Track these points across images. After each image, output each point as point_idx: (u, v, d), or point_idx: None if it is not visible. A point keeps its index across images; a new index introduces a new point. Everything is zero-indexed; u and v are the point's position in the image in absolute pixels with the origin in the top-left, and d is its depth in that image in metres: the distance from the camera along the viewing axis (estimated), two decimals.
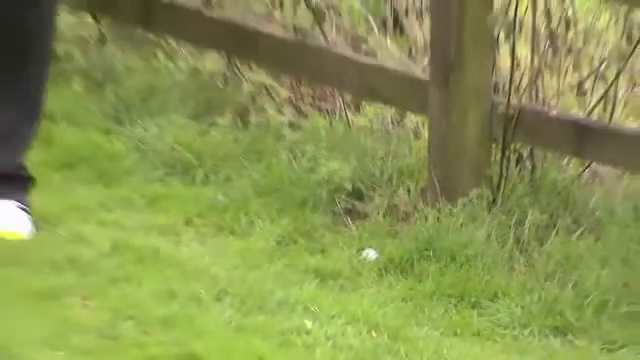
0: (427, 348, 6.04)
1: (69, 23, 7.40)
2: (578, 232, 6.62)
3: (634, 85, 6.88)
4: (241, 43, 7.42)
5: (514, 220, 6.65)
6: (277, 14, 7.48)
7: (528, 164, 6.83)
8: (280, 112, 7.36)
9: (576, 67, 6.94)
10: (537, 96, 6.86)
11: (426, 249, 6.60)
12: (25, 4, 6.54)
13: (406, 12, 7.31)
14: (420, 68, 7.02)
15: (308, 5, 7.41)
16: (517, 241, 6.61)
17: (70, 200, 6.89)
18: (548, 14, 6.90)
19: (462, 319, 6.30)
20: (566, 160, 6.83)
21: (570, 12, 6.93)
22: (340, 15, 7.39)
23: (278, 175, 7.02)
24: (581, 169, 6.84)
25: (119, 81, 7.52)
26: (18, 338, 5.79)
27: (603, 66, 6.92)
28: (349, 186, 6.93)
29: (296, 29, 7.40)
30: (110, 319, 6.00)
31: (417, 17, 7.24)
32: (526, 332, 6.24)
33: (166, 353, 5.81)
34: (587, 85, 6.92)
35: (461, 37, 6.71)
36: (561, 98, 6.90)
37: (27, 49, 6.61)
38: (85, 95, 7.44)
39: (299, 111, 7.39)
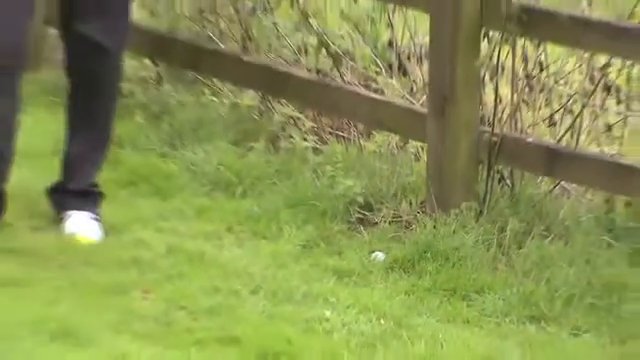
0: (425, 333, 6.05)
1: (132, 66, 7.39)
2: (550, 238, 6.60)
3: (595, 117, 6.87)
4: (273, 83, 7.40)
5: (497, 228, 6.65)
6: (303, 59, 7.46)
7: (509, 182, 6.82)
8: (305, 139, 7.34)
9: (548, 103, 6.92)
10: (516, 126, 6.84)
11: (425, 251, 6.59)
12: (99, 55, 6.57)
13: (408, 57, 7.29)
14: (420, 103, 7.01)
15: (328, 52, 7.41)
16: (499, 245, 6.61)
17: (133, 211, 6.90)
18: (525, 59, 6.88)
19: (454, 309, 6.29)
20: (540, 179, 6.82)
21: (543, 57, 6.93)
22: (354, 60, 7.38)
23: (303, 190, 7.00)
24: (552, 186, 6.83)
25: (173, 114, 7.51)
26: (90, 324, 5.82)
27: (570, 102, 6.90)
28: (361, 200, 6.93)
29: (318, 71, 7.39)
30: (165, 309, 6.05)
31: (417, 61, 7.21)
32: (507, 320, 6.22)
33: (211, 337, 5.86)
34: (557, 117, 6.89)
35: (454, 78, 6.71)
36: (536, 128, 6.88)
37: (100, 89, 6.64)
38: (145, 125, 7.44)
39: (320, 138, 7.38)
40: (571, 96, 6.92)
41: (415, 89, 7.13)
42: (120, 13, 6.59)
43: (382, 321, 6.16)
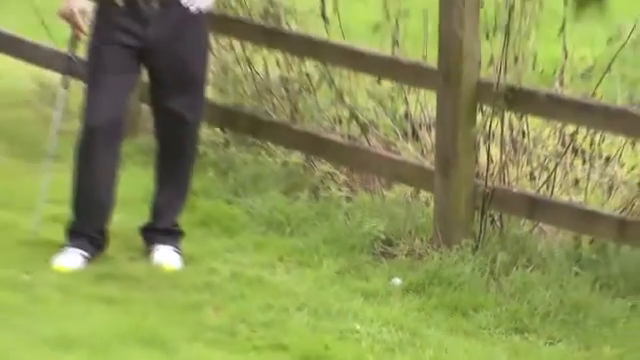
0: (433, 342, 6.06)
1: (206, 133, 7.40)
2: (530, 268, 6.56)
3: (566, 174, 6.86)
4: (314, 146, 7.39)
5: (489, 259, 6.62)
6: (338, 127, 7.47)
7: (498, 224, 6.79)
8: (339, 190, 7.32)
9: (529, 162, 6.90)
10: (504, 180, 6.80)
11: (433, 278, 6.57)
12: (181, 125, 6.59)
13: (420, 126, 7.28)
14: (429, 162, 7.02)
15: (357, 122, 7.41)
16: (491, 273, 6.57)
17: (205, 246, 6.90)
18: (511, 127, 6.89)
19: (456, 323, 6.28)
20: (522, 221, 6.78)
21: (525, 126, 6.93)
22: (378, 128, 7.38)
23: (337, 230, 6.98)
24: (532, 227, 6.81)
25: (237, 170, 7.49)
26: (172, 334, 5.83)
27: (546, 161, 6.90)
28: (383, 237, 6.91)
29: (350, 137, 7.40)
30: (230, 322, 6.06)
31: (427, 129, 7.21)
32: (497, 331, 6.21)
33: (266, 344, 5.88)
34: (536, 173, 6.87)
35: (455, 142, 6.69)
36: (519, 181, 6.85)
37: (182, 151, 6.67)
38: (215, 179, 7.42)
39: (351, 189, 7.35)
40: (547, 157, 6.89)
41: (425, 151, 7.12)
42: (197, 93, 6.61)
43: (399, 332, 6.15)
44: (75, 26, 6.46)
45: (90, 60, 6.48)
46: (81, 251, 6.51)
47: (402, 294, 6.54)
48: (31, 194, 6.73)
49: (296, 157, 7.51)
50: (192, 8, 6.43)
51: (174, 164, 6.69)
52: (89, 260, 6.53)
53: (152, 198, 6.74)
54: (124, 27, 6.39)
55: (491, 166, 6.80)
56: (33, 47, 7.89)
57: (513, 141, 6.91)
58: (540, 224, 6.82)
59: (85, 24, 6.42)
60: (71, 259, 6.49)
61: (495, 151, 6.83)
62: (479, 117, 6.78)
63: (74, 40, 6.57)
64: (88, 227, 6.55)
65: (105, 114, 6.42)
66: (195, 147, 6.75)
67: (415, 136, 7.25)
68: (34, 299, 6.13)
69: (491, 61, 6.74)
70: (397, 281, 6.64)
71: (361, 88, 7.42)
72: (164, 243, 6.66)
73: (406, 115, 7.32)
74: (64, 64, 6.68)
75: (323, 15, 7.39)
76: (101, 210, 6.56)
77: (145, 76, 6.63)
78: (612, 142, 6.85)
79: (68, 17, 6.44)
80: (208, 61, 6.76)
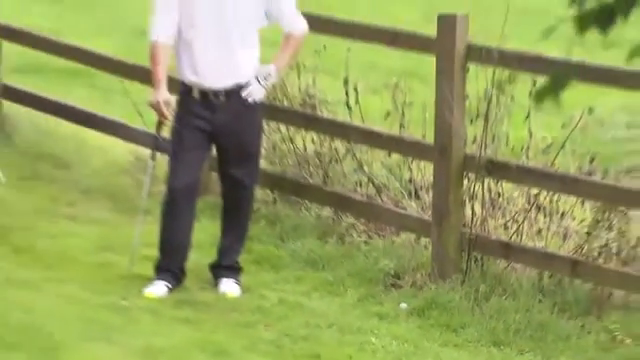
0: (431, 352, 6.07)
1: (260, 193, 7.37)
2: (505, 296, 6.48)
3: (531, 225, 6.80)
4: (341, 203, 7.32)
5: (473, 290, 6.52)
6: (358, 189, 7.43)
7: (480, 263, 6.70)
8: (359, 236, 7.27)
9: (503, 216, 6.87)
10: (484, 229, 6.77)
11: (431, 303, 6.50)
12: (241, 189, 6.57)
13: (420, 188, 7.25)
14: (427, 215, 6.96)
15: (374, 185, 7.37)
16: (475, 300, 6.48)
17: (258, 279, 6.82)
18: (489, 190, 6.83)
19: (448, 338, 6.23)
20: (499, 261, 6.73)
21: (500, 189, 6.89)
22: (389, 189, 7.34)
23: (358, 267, 6.88)
24: (506, 265, 6.74)
25: (282, 221, 7.40)
26: (233, 346, 5.87)
27: (516, 215, 6.84)
28: (393, 272, 6.80)
29: (367, 196, 7.35)
30: (278, 337, 6.06)
31: (426, 191, 7.17)
32: (479, 344, 6.18)
33: (304, 354, 5.90)
34: (509, 224, 6.84)
35: (447, 201, 6.64)
36: (496, 230, 6.83)
37: (241, 207, 6.64)
38: (266, 228, 7.37)
39: (369, 236, 7.28)
40: (517, 212, 6.82)
41: (424, 207, 7.08)
42: (253, 164, 6.62)
43: (405, 344, 6.13)
44: (160, 114, 6.44)
45: (173, 139, 6.51)
46: (166, 283, 6.49)
47: (407, 316, 6.48)
48: (128, 240, 6.71)
49: (327, 211, 7.47)
50: (249, 100, 6.41)
51: (235, 217, 6.66)
52: (171, 289, 6.50)
53: (218, 242, 6.69)
54: (198, 114, 6.39)
55: (474, 219, 6.74)
56: (130, 129, 7.94)
57: (491, 200, 6.84)
58: (512, 263, 6.74)
59: (169, 112, 6.41)
60: (158, 289, 6.46)
61: (477, 207, 6.77)
62: (465, 182, 6.74)
63: (160, 124, 6.56)
64: (171, 265, 6.53)
65: (184, 180, 6.42)
66: (251, 204, 6.74)
67: (417, 196, 7.20)
68: (130, 319, 6.13)
69: (474, 140, 6.73)
70: (404, 306, 6.57)
71: (376, 160, 7.42)
72: (227, 276, 6.61)
73: (410, 180, 7.29)
74: (152, 142, 6.68)
75: (347, 105, 7.41)
76: (181, 252, 6.55)
77: (214, 151, 6.62)
78: (566, 201, 6.80)
79: (155, 107, 6.44)
80: (261, 139, 6.77)
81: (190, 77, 6.36)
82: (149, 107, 6.54)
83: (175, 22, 6.32)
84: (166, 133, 6.62)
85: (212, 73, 6.33)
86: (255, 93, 6.40)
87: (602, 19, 2.73)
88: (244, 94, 6.39)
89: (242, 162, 6.51)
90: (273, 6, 6.39)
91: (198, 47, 6.32)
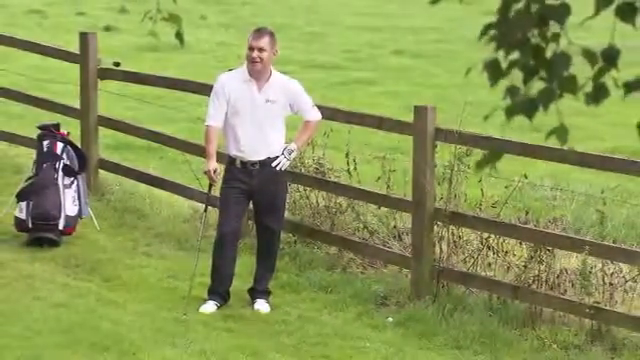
0: (410, 354, 5.96)
1: (284, 236, 7.22)
2: (464, 312, 6.35)
3: (483, 259, 6.69)
4: (344, 243, 7.15)
5: (442, 307, 6.40)
6: (357, 233, 7.28)
7: (446, 287, 6.58)
8: (357, 268, 7.09)
9: (463, 253, 6.71)
10: (449, 263, 6.61)
11: (410, 318, 6.38)
12: (271, 233, 6.48)
13: (402, 232, 7.11)
14: (408, 252, 6.82)
15: (367, 230, 7.21)
16: (443, 315, 6.35)
17: (284, 300, 6.64)
18: (452, 234, 6.68)
19: (423, 344, 6.12)
20: (460, 286, 6.60)
21: (460, 234, 6.79)
22: (379, 233, 7.22)
23: (357, 291, 6.71)
24: (465, 289, 6.60)
25: (300, 257, 7.15)
26: (264, 348, 5.81)
27: (472, 253, 6.71)
28: (382, 294, 6.69)
29: (364, 238, 7.17)
30: (297, 342, 5.96)
31: (406, 234, 7.01)
32: (446, 348, 6.06)
33: (317, 354, 5.89)
34: (467, 259, 6.70)
35: (421, 242, 6.51)
36: (458, 264, 6.67)
37: (271, 247, 6.56)
38: (289, 261, 7.11)
39: (364, 268, 7.12)
40: (472, 250, 6.73)
41: (405, 246, 6.98)
42: (280, 214, 6.54)
43: (391, 348, 6.03)
44: (210, 179, 6.42)
45: (221, 197, 6.45)
46: (215, 302, 6.40)
47: (393, 327, 6.37)
48: (188, 270, 6.63)
49: (333, 249, 7.37)
50: (277, 169, 6.35)
51: (266, 254, 6.57)
52: (219, 307, 6.40)
53: (254, 272, 6.59)
54: (240, 178, 6.35)
55: (442, 255, 6.65)
56: (190, 190, 7.90)
57: (454, 242, 6.75)
58: (469, 288, 6.63)
59: (216, 178, 6.40)
60: (210, 307, 6.38)
61: (444, 247, 6.68)
62: (435, 228, 6.65)
63: (210, 187, 6.55)
64: (220, 289, 6.44)
65: (231, 227, 6.37)
66: (278, 244, 6.65)
67: (400, 238, 7.11)
68: (189, 329, 6.06)
69: (441, 197, 6.64)
70: (390, 319, 6.46)
71: (370, 211, 7.32)
72: (260, 298, 6.52)
73: (394, 226, 7.20)
74: (205, 199, 6.65)
75: (348, 171, 7.36)
76: (227, 280, 6.46)
77: (251, 205, 6.54)
78: (508, 242, 6.70)
79: (207, 174, 6.43)
80: (286, 196, 6.70)
81: (234, 152, 6.34)
82: (203, 174, 6.53)
83: (223, 111, 6.31)
84: (215, 193, 6.57)
85: (250, 149, 6.30)
86: (282, 164, 6.37)
87: (528, 109, 2.68)
88: (274, 165, 6.35)
89: (271, 213, 6.45)
90: (295, 101, 6.37)
91: (240, 130, 6.30)
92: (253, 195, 6.39)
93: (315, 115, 6.47)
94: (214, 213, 6.73)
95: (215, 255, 6.40)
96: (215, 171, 6.35)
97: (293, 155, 6.44)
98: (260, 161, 6.33)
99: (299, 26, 16.71)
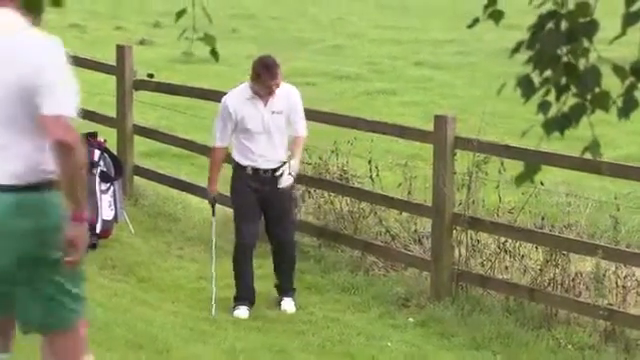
0: (431, 353, 5.94)
1: (309, 240, 7.21)
2: (482, 313, 6.33)
3: (500, 263, 6.64)
4: (367, 247, 7.10)
5: (460, 308, 6.39)
6: (379, 237, 7.25)
7: (465, 289, 6.57)
8: (379, 270, 7.04)
9: (481, 256, 6.64)
10: (467, 266, 6.59)
11: (430, 318, 6.37)
12: (283, 244, 6.41)
13: (423, 236, 7.04)
14: (427, 256, 6.77)
15: (390, 234, 7.18)
16: (462, 316, 6.33)
17: (308, 300, 6.62)
18: (471, 238, 6.63)
19: (443, 343, 6.09)
20: (478, 288, 6.57)
21: (478, 238, 6.75)
22: (400, 238, 7.19)
23: (379, 292, 6.71)
24: (483, 291, 6.57)
25: (325, 259, 7.13)
26: (290, 347, 5.76)
27: (490, 256, 6.67)
28: (403, 296, 6.68)
29: (386, 242, 7.12)
30: (322, 341, 5.92)
31: (426, 238, 6.97)
32: (464, 348, 6.02)
33: (340, 352, 5.79)
34: (485, 262, 6.65)
35: (441, 246, 6.48)
36: (476, 267, 6.63)
37: (287, 254, 6.47)
38: (314, 264, 7.07)
39: (386, 270, 7.06)
40: (490, 254, 6.69)
41: (425, 250, 6.95)
42: (288, 223, 6.43)
43: (412, 348, 6.00)
44: (211, 204, 6.47)
45: (236, 205, 6.35)
46: (246, 307, 6.37)
47: (414, 327, 6.35)
48: (217, 272, 6.58)
49: (356, 253, 7.35)
50: (283, 185, 6.26)
51: (281, 255, 6.47)
52: (249, 309, 6.38)
53: (276, 275, 6.55)
54: (251, 185, 6.28)
55: (460, 258, 6.62)
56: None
57: (472, 246, 6.72)
58: (487, 290, 6.60)
59: (213, 203, 6.42)
60: (242, 312, 6.32)
61: (463, 250, 6.66)
62: (454, 233, 6.62)
63: (213, 207, 6.49)
64: (246, 295, 6.40)
65: (249, 237, 6.31)
66: (291, 251, 6.47)
67: (420, 242, 7.08)
68: (218, 328, 6.07)
69: (460, 203, 6.62)
70: (411, 320, 6.45)
71: (391, 216, 7.31)
72: (286, 295, 6.50)
73: (415, 231, 7.18)
74: (211, 208, 6.56)
75: (371, 178, 7.34)
76: (251, 286, 6.42)
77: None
78: (525, 247, 6.67)
79: (209, 201, 6.47)
80: (293, 205, 6.60)
81: (244, 161, 6.26)
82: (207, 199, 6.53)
83: (230, 132, 6.22)
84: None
85: (263, 159, 6.24)
86: (286, 181, 6.24)
87: (562, 124, 2.71)
88: (280, 184, 6.23)
89: (280, 223, 6.37)
90: (292, 110, 6.25)
91: (252, 144, 6.22)
92: (263, 202, 6.29)
93: (304, 130, 6.34)
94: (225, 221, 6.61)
95: (238, 264, 6.33)
96: (213, 198, 6.38)
97: (295, 172, 6.31)
98: (272, 169, 6.26)
99: (324, 39, 16.72)
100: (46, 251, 3.14)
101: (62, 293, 3.18)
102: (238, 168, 6.29)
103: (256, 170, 6.25)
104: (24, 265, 3.12)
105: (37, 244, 3.13)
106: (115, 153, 7.78)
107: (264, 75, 6.08)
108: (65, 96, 3.20)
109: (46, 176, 3.17)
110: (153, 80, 8.39)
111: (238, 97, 6.21)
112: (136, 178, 8.38)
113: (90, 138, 7.54)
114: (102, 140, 7.64)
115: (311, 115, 6.62)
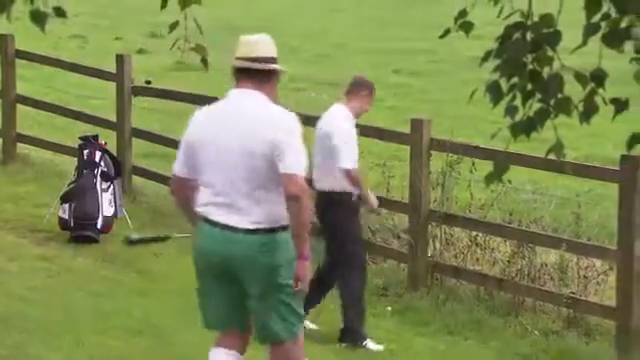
0: (408, 339, 5.91)
1: None
2: (455, 302, 6.33)
3: (471, 255, 6.64)
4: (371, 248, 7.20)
5: (435, 298, 6.38)
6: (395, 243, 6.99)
7: (439, 280, 6.54)
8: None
9: (454, 249, 6.67)
10: (442, 258, 6.58)
11: (407, 307, 6.35)
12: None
13: (400, 231, 7.10)
14: (405, 249, 6.75)
15: (370, 229, 7.12)
16: (436, 305, 6.33)
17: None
18: (445, 232, 6.65)
19: (418, 330, 6.08)
20: (451, 279, 6.58)
21: (452, 232, 6.76)
22: (380, 232, 7.14)
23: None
24: (456, 282, 6.56)
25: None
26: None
27: (462, 249, 6.68)
28: (382, 286, 6.58)
29: (369, 238, 7.11)
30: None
31: (404, 233, 7.01)
32: (439, 334, 6.01)
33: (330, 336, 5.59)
34: (458, 255, 6.66)
35: (417, 240, 6.49)
36: (450, 259, 6.64)
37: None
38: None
39: (367, 263, 7.02)
40: (462, 247, 6.67)
41: (403, 244, 6.80)
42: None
43: (391, 335, 5.97)
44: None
45: (358, 228, 5.87)
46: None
47: (392, 315, 6.33)
48: None
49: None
50: None
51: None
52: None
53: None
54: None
55: (435, 251, 6.63)
56: None
57: (446, 240, 6.72)
58: (460, 280, 6.59)
59: None
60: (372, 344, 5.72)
61: (437, 244, 6.66)
62: (429, 228, 6.61)
63: None
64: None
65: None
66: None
67: (398, 236, 7.01)
68: None
69: (435, 200, 6.62)
70: (389, 308, 6.42)
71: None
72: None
73: (394, 226, 7.08)
74: None
75: None
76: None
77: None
78: (494, 240, 6.67)
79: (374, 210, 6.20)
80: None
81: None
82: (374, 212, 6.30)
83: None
84: None
85: None
86: None
87: (527, 128, 2.73)
88: None
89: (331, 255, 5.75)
90: None
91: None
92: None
93: None
94: None
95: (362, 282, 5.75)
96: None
97: None
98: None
99: (310, 49, 16.73)
100: (282, 279, 3.79)
101: (290, 311, 3.84)
102: (351, 195, 5.63)
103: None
104: (267, 290, 3.80)
105: (276, 274, 3.78)
106: (115, 154, 7.77)
107: (375, 93, 5.70)
108: (298, 159, 3.79)
109: (281, 221, 3.79)
110: (150, 86, 8.44)
111: (352, 119, 5.61)
112: (134, 177, 8.35)
113: (92, 140, 7.54)
114: (103, 142, 7.63)
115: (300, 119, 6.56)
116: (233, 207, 3.79)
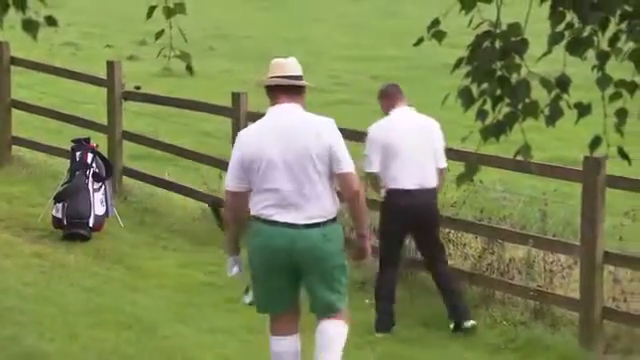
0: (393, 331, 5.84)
1: None
2: (428, 295, 6.29)
3: (455, 253, 6.61)
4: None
5: (411, 291, 6.32)
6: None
7: (413, 275, 6.47)
8: None
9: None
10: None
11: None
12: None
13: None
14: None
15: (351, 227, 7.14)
16: (411, 295, 6.29)
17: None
18: None
19: (395, 321, 6.00)
20: (424, 273, 6.51)
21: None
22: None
23: None
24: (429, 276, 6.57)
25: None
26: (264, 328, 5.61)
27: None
28: (361, 281, 6.46)
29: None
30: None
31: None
32: (414, 323, 5.90)
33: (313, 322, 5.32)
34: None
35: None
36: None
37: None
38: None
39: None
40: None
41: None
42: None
43: (369, 325, 5.85)
44: None
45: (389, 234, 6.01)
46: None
47: (369, 307, 6.10)
48: (200, 261, 6.58)
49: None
50: None
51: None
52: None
53: None
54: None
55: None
56: (199, 193, 7.85)
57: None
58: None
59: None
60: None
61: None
62: None
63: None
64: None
65: None
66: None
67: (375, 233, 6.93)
68: (199, 310, 5.92)
69: None
70: (367, 301, 6.24)
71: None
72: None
73: (370, 224, 6.83)
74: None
75: None
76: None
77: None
78: (466, 237, 6.56)
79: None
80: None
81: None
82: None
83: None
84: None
85: None
86: None
87: (497, 131, 2.77)
88: None
89: (432, 256, 5.97)
90: None
91: None
92: None
93: None
94: None
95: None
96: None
97: None
98: None
99: (292, 55, 16.75)
100: (337, 262, 4.32)
101: (342, 285, 4.37)
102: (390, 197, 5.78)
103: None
104: (325, 272, 4.30)
105: (333, 258, 4.30)
106: (106, 156, 7.75)
107: None
108: (348, 158, 4.29)
109: (333, 214, 4.31)
110: (140, 92, 8.55)
111: None
112: (125, 178, 8.33)
113: (84, 143, 7.53)
114: (94, 144, 7.61)
115: None
116: (295, 207, 4.20)
